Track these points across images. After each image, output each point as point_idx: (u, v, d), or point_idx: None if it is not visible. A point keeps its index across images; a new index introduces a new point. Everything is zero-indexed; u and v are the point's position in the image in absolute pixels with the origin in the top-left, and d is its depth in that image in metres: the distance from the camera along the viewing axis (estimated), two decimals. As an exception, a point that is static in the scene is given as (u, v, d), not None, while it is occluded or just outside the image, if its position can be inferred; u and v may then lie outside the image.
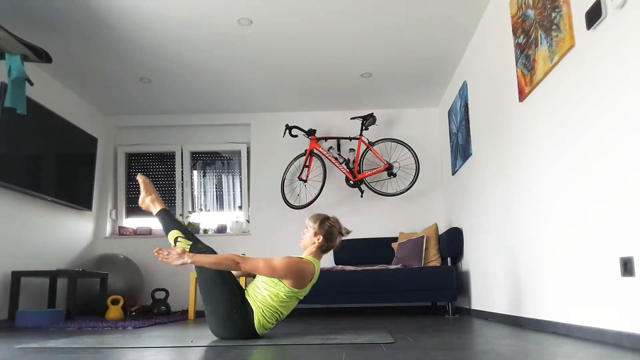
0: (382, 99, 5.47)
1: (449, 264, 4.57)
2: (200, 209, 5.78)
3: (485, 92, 3.76)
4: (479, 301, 4.09)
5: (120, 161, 5.86)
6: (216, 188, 5.89)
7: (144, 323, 3.65)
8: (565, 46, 2.38)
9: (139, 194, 5.87)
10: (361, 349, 2.00)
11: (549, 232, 2.63)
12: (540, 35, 2.67)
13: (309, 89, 5.18)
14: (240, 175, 5.87)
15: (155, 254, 2.36)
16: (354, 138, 5.30)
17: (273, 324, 2.54)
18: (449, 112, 5.08)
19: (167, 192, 5.82)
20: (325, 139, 5.42)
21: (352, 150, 5.51)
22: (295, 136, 5.34)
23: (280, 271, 2.44)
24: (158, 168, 5.88)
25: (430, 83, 5.07)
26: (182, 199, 5.78)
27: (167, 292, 5.02)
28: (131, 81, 4.91)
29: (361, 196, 5.26)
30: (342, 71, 4.75)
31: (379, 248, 5.25)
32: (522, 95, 2.95)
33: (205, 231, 5.62)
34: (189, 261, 2.36)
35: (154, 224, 5.73)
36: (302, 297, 2.59)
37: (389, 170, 5.04)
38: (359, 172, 5.16)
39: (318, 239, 2.64)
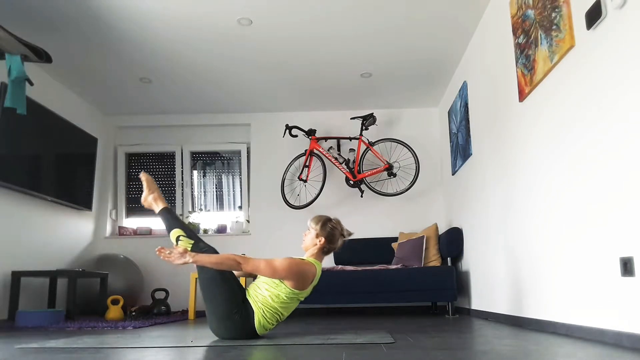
0: (382, 99, 5.47)
1: (449, 264, 4.57)
2: (200, 209, 5.78)
3: (485, 92, 3.76)
4: (479, 301, 4.09)
5: (120, 161, 5.86)
6: (216, 188, 5.89)
7: (144, 323, 3.65)
8: (565, 46, 2.38)
9: (139, 194, 5.93)
10: (361, 349, 2.00)
11: (549, 232, 2.63)
12: (540, 35, 2.67)
13: (309, 89, 5.18)
14: (240, 175, 5.87)
15: (157, 252, 2.36)
16: (354, 138, 5.30)
17: (273, 324, 2.54)
18: (449, 112, 5.08)
19: (167, 192, 5.81)
20: (325, 139, 5.42)
21: (352, 150, 5.51)
22: (295, 136, 5.34)
23: (282, 272, 2.43)
24: (158, 168, 5.88)
25: (430, 83, 5.07)
26: (182, 199, 5.78)
27: (167, 292, 5.02)
28: (131, 81, 4.91)
29: (361, 196, 5.26)
30: (342, 71, 4.75)
31: (379, 248, 5.25)
32: (522, 95, 2.95)
33: (205, 231, 5.62)
34: (190, 260, 2.36)
35: (154, 224, 5.74)
36: (302, 299, 2.59)
37: (389, 170, 5.04)
38: (359, 172, 5.16)
39: (320, 241, 2.64)
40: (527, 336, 2.42)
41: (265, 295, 2.48)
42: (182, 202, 5.78)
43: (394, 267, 4.48)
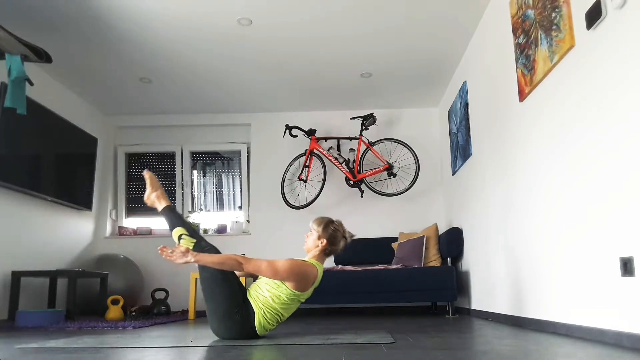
0: (382, 99, 5.47)
1: (449, 264, 4.57)
2: (200, 209, 5.78)
3: (485, 92, 3.76)
4: (479, 301, 4.09)
5: (120, 161, 5.86)
6: (216, 188, 5.89)
7: (144, 323, 3.65)
8: (565, 46, 2.38)
9: (139, 194, 5.93)
10: (361, 349, 2.00)
11: (549, 232, 2.63)
12: (540, 35, 2.67)
13: (309, 89, 5.18)
14: (240, 175, 5.87)
15: (159, 251, 2.37)
16: (354, 138, 5.30)
17: (274, 325, 2.54)
18: (449, 112, 5.08)
19: (167, 192, 5.80)
20: (325, 139, 5.42)
21: (352, 150, 5.51)
22: (295, 136, 5.34)
23: (283, 273, 2.43)
24: (158, 168, 5.88)
25: (430, 83, 5.07)
26: (182, 199, 5.78)
27: (167, 292, 5.02)
28: (131, 81, 4.91)
29: (361, 196, 5.26)
30: (342, 71, 4.75)
31: (379, 248, 5.25)
32: (522, 95, 2.95)
33: (205, 231, 5.62)
34: (192, 260, 2.37)
35: (154, 223, 5.74)
36: (303, 300, 2.59)
37: (389, 170, 5.04)
38: (359, 172, 5.16)
39: (322, 242, 2.63)
40: (527, 336, 2.42)
41: (266, 296, 2.48)
42: (182, 202, 5.78)
43: (394, 267, 4.48)
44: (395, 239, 5.27)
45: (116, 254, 5.17)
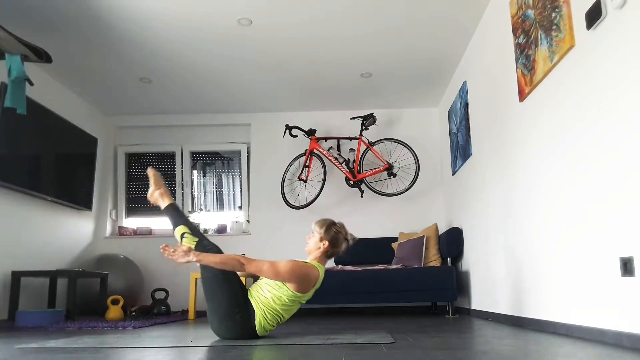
0: (382, 99, 5.47)
1: (449, 264, 4.57)
2: (200, 209, 5.78)
3: (485, 92, 3.76)
4: (479, 301, 4.09)
5: (120, 161, 5.86)
6: (216, 188, 5.89)
7: (144, 323, 3.65)
8: (565, 46, 2.38)
9: (139, 194, 5.94)
10: (361, 349, 2.00)
11: (549, 232, 2.63)
12: (540, 35, 2.67)
13: (309, 89, 5.18)
14: (240, 175, 5.87)
15: (162, 250, 2.36)
16: (354, 138, 5.30)
17: (274, 326, 2.54)
18: (449, 112, 5.08)
19: (167, 192, 5.81)
20: (325, 139, 5.42)
21: (352, 150, 5.51)
22: (295, 136, 5.34)
23: (285, 274, 2.43)
24: (158, 168, 5.88)
25: (430, 83, 5.07)
26: (182, 199, 5.78)
27: (167, 292, 5.02)
28: (131, 81, 4.91)
29: (361, 196, 5.26)
30: (342, 71, 4.75)
31: (379, 248, 5.25)
32: (522, 95, 2.95)
33: (205, 231, 5.62)
34: (194, 259, 2.37)
35: (154, 223, 5.74)
36: (304, 301, 2.59)
37: (389, 170, 5.04)
38: (359, 172, 5.16)
39: (323, 244, 2.63)
40: (527, 336, 2.42)
41: (267, 297, 2.48)
42: (182, 202, 5.77)
43: (394, 267, 4.48)
44: (395, 239, 5.27)
45: (116, 254, 5.17)
